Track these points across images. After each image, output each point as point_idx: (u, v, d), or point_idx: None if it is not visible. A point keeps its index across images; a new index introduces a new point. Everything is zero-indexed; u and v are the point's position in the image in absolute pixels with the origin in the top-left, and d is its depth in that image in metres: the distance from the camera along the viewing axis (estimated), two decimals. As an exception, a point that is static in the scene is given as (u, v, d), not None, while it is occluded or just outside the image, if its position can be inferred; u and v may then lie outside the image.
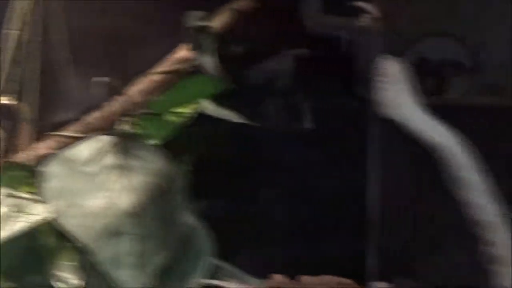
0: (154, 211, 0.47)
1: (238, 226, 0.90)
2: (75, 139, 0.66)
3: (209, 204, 0.73)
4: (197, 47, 0.66)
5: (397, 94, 0.60)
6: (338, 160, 0.85)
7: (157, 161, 0.50)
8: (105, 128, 0.59)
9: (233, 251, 0.79)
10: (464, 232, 0.62)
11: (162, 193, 0.49)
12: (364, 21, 0.80)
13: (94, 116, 0.64)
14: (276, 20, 0.78)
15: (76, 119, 0.61)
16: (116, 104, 0.71)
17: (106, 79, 0.56)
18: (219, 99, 0.72)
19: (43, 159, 0.70)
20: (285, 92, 0.92)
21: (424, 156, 0.65)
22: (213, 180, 0.81)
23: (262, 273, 0.88)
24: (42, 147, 0.69)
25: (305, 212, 0.91)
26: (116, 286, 0.42)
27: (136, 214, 0.45)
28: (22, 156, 0.68)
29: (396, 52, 0.71)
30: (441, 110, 0.69)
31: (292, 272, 0.88)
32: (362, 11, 0.82)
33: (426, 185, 0.66)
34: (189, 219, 0.51)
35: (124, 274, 0.42)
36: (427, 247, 0.64)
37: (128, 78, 0.73)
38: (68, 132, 0.68)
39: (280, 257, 0.88)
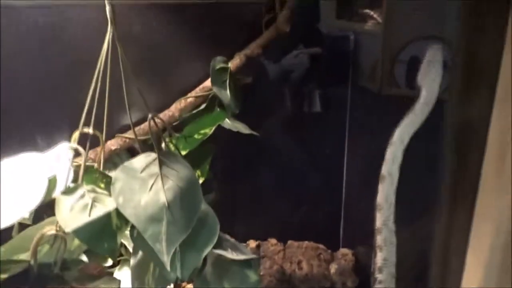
0: (181, 204, 0.61)
1: (242, 203, 1.05)
2: (133, 141, 0.83)
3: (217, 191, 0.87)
4: (216, 81, 0.81)
5: (431, 74, 0.61)
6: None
7: (184, 169, 0.65)
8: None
9: (236, 222, 0.94)
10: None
11: (187, 191, 0.64)
12: (368, 25, 0.90)
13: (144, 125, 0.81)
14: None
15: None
16: (161, 116, 0.89)
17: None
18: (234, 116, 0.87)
19: (113, 153, 0.87)
20: (299, 82, 1.03)
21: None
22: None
23: (261, 237, 1.04)
24: (113, 144, 0.86)
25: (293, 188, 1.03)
26: (152, 255, 0.57)
27: (169, 207, 0.60)
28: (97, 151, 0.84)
29: (392, 51, 0.79)
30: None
31: (283, 237, 1.04)
32: (368, 17, 0.91)
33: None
34: (203, 206, 0.65)
35: (160, 247, 0.57)
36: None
37: (170, 97, 0.89)
38: (128, 135, 0.85)
39: (274, 226, 1.04)
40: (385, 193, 0.64)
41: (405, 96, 0.78)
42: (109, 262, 0.86)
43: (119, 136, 0.87)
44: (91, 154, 0.84)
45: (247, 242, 1.04)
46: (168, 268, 0.56)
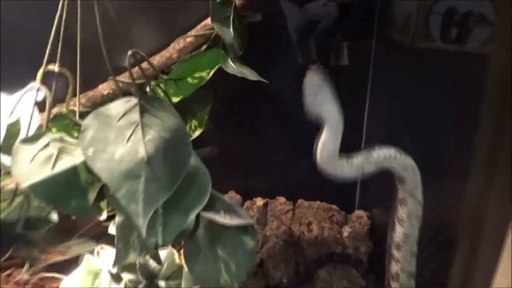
0: (164, 158, 0.51)
1: (251, 159, 0.95)
2: (128, 85, 0.72)
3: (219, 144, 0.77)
4: (217, 17, 0.68)
5: (319, 98, 0.57)
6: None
7: (171, 118, 0.54)
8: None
9: (243, 178, 0.85)
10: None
11: (173, 144, 0.53)
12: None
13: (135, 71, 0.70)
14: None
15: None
16: (157, 58, 0.76)
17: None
18: (239, 59, 0.74)
19: (106, 97, 0.77)
20: (325, 33, 0.91)
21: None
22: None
23: (269, 195, 0.94)
24: (105, 88, 0.76)
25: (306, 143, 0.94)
26: (129, 217, 0.48)
27: (150, 161, 0.50)
28: (91, 95, 0.75)
29: (427, 3, 0.70)
30: (460, 58, 0.67)
31: (293, 196, 0.94)
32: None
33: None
34: (194, 161, 0.55)
35: (136, 208, 0.47)
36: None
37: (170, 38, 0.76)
38: (122, 78, 0.74)
39: (284, 184, 0.94)
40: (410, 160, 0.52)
41: (440, 50, 0.71)
42: (104, 215, 0.78)
43: (111, 79, 0.76)
44: (82, 99, 0.73)
45: (254, 200, 0.94)
46: (143, 234, 0.46)
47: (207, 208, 0.57)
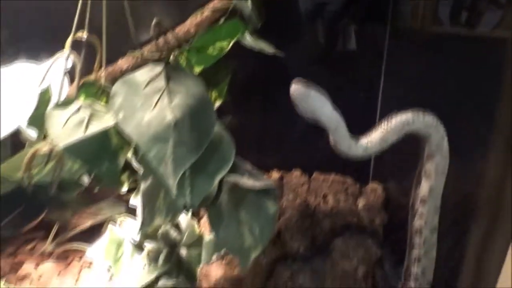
0: (190, 124, 0.53)
1: (265, 131, 0.96)
2: (146, 60, 0.73)
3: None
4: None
5: (309, 107, 0.58)
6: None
7: (195, 86, 0.56)
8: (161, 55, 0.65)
9: (258, 151, 0.86)
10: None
11: (198, 110, 0.55)
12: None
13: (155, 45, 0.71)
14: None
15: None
16: (174, 34, 0.77)
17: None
18: (257, 33, 0.75)
19: (125, 72, 0.78)
20: (333, 17, 0.91)
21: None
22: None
23: (284, 168, 0.96)
24: (125, 63, 0.77)
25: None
26: (160, 178, 0.50)
27: (177, 126, 0.52)
28: (110, 70, 0.76)
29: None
30: (471, 41, 0.67)
31: (308, 170, 0.95)
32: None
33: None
34: (217, 129, 0.56)
35: (165, 169, 0.49)
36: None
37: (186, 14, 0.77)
38: (141, 53, 0.75)
39: (299, 157, 0.95)
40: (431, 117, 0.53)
41: (448, 34, 0.71)
42: (125, 188, 0.80)
43: (131, 53, 0.77)
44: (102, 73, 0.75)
45: (270, 173, 0.95)
46: (174, 192, 0.48)
47: (231, 173, 0.58)
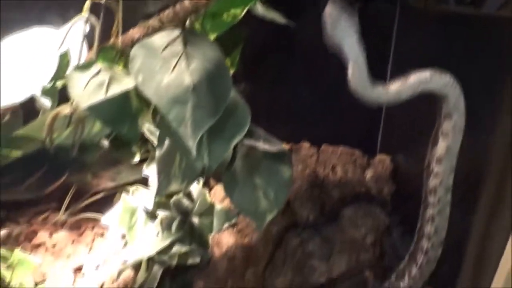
0: (208, 87, 0.53)
1: (273, 102, 0.97)
2: (159, 28, 0.73)
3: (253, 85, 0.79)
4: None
5: (338, 29, 0.56)
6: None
7: (212, 50, 0.57)
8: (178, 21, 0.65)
9: (267, 123, 0.87)
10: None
11: (215, 74, 0.55)
12: None
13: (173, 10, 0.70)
14: None
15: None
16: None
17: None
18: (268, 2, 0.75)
19: (137, 41, 0.79)
20: None
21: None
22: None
23: (293, 140, 0.97)
24: (137, 32, 0.77)
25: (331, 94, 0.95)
26: (180, 139, 0.50)
27: (195, 89, 0.52)
28: (122, 39, 0.76)
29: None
30: (476, 21, 0.67)
31: (317, 142, 0.96)
32: None
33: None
34: (233, 94, 0.57)
35: (185, 131, 0.50)
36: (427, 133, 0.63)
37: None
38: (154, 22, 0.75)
39: (308, 129, 0.96)
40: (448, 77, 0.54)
41: (452, 13, 0.69)
42: (137, 158, 0.81)
43: (143, 23, 0.77)
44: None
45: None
46: (194, 153, 0.49)
47: (246, 137, 0.59)
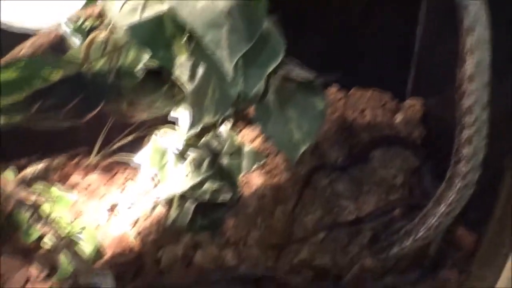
0: (242, 13, 0.52)
1: (303, 44, 0.95)
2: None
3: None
4: None
5: None
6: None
7: None
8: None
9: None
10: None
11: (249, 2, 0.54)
12: None
13: None
14: None
15: None
16: None
17: None
18: None
19: None
20: None
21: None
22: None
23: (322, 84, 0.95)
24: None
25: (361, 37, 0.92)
26: (217, 62, 0.50)
27: (229, 14, 0.51)
28: None
29: None
30: None
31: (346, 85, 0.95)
32: None
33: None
34: (266, 24, 0.56)
35: (222, 53, 0.50)
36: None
37: None
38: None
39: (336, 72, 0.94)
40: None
41: None
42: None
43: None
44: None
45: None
46: (230, 75, 0.49)
47: (279, 67, 0.58)
